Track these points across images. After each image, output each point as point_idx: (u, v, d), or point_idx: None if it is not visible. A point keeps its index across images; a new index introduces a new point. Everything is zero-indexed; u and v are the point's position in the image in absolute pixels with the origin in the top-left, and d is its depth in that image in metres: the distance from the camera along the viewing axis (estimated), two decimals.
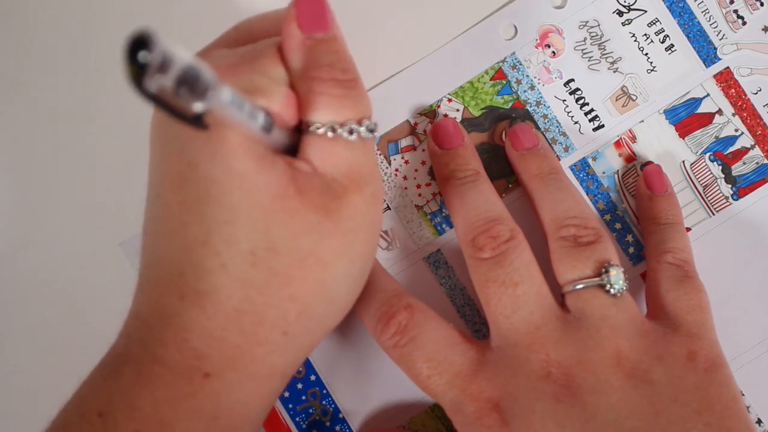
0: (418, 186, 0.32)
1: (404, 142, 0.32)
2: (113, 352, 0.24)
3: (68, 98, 0.33)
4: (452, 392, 0.26)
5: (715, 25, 0.32)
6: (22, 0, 0.34)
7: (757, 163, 0.32)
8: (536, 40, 0.32)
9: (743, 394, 0.31)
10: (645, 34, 0.32)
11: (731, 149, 0.32)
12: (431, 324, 0.27)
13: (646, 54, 0.32)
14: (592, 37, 0.32)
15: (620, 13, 0.32)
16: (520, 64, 0.32)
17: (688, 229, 0.32)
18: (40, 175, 0.34)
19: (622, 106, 0.32)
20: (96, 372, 0.23)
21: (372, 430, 0.32)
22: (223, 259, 0.22)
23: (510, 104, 0.32)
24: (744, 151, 0.32)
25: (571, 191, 0.30)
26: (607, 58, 0.32)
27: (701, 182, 0.32)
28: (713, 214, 0.32)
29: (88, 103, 0.33)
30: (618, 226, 0.32)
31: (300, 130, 0.24)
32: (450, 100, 0.32)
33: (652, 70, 0.32)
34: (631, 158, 0.32)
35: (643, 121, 0.32)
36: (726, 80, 0.32)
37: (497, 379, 0.26)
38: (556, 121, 0.32)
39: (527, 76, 0.32)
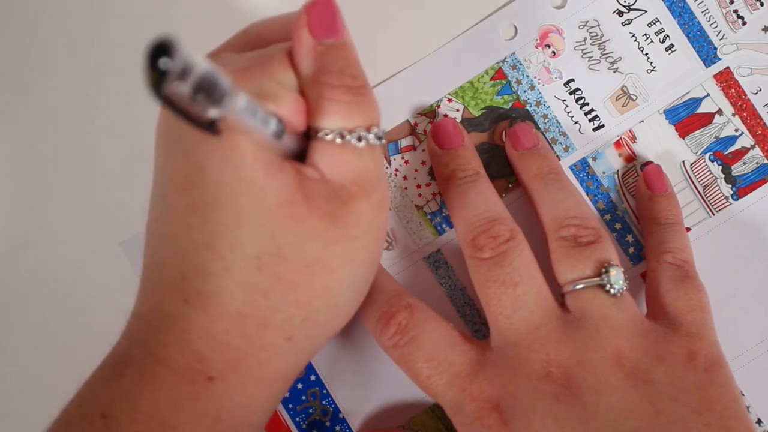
0: (418, 186, 0.32)
1: (404, 142, 0.32)
2: (115, 353, 0.24)
3: (68, 98, 0.33)
4: (452, 392, 0.26)
5: (715, 25, 0.32)
6: (22, 0, 0.34)
7: (757, 163, 0.32)
8: (536, 40, 0.32)
9: (743, 394, 0.31)
10: (645, 34, 0.32)
11: (731, 149, 0.32)
12: (431, 324, 0.27)
13: (646, 54, 0.32)
14: (592, 37, 0.32)
15: (620, 13, 0.32)
16: (520, 64, 0.32)
17: (688, 229, 0.32)
18: (40, 175, 0.34)
19: (622, 106, 0.32)
20: (98, 372, 0.23)
21: (372, 430, 0.32)
22: (227, 262, 0.22)
23: (510, 104, 0.32)
24: (744, 151, 0.32)
25: (571, 191, 0.30)
26: (607, 58, 0.32)
27: (701, 182, 0.32)
28: (713, 214, 0.32)
29: (88, 103, 0.33)
30: (618, 226, 0.32)
31: (308, 136, 0.24)
32: (450, 100, 0.32)
33: (652, 70, 0.32)
34: (631, 158, 0.32)
35: (643, 121, 0.32)
36: (726, 80, 0.32)
37: (497, 379, 0.26)
38: (556, 121, 0.32)
39: (527, 76, 0.32)
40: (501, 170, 0.32)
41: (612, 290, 0.27)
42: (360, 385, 0.32)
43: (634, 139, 0.32)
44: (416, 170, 0.32)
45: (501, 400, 0.26)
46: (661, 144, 0.32)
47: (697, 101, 0.32)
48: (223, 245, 0.22)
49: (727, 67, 0.32)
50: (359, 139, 0.24)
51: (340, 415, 0.32)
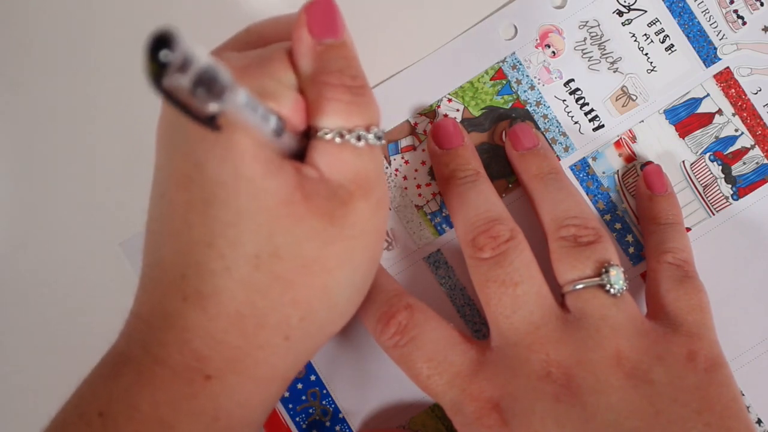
0: (418, 186, 0.32)
1: (404, 142, 0.32)
2: (114, 352, 0.24)
3: (68, 98, 0.33)
4: (452, 392, 0.26)
5: (715, 25, 0.32)
6: (22, 0, 0.34)
7: (757, 163, 0.32)
8: (536, 40, 0.32)
9: (743, 394, 0.31)
10: (645, 34, 0.32)
11: (731, 149, 0.32)
12: (431, 324, 0.27)
13: (646, 54, 0.32)
14: (592, 37, 0.32)
15: (620, 13, 0.32)
16: (520, 64, 0.32)
17: (688, 229, 0.32)
18: (40, 175, 0.34)
19: (622, 106, 0.32)
20: (96, 372, 0.23)
21: (372, 430, 0.32)
22: (227, 261, 0.22)
23: (510, 104, 0.32)
24: (744, 151, 0.32)
25: (571, 191, 0.30)
26: (607, 58, 0.32)
27: (701, 182, 0.32)
28: (713, 214, 0.32)
29: (88, 103, 0.33)
30: (618, 226, 0.32)
31: (308, 136, 0.24)
32: (450, 100, 0.32)
33: (652, 70, 0.32)
34: (631, 158, 0.32)
35: (643, 121, 0.32)
36: (726, 80, 0.32)
37: (497, 379, 0.26)
38: (556, 121, 0.32)
39: (527, 76, 0.32)
40: (501, 170, 0.32)
41: (612, 290, 0.27)
42: (360, 385, 0.32)
43: (634, 139, 0.32)
44: (416, 170, 0.32)
45: (501, 400, 0.26)
46: (661, 144, 0.32)
47: (697, 101, 0.32)
48: (223, 243, 0.22)
49: (727, 67, 0.32)
50: (359, 138, 0.24)
51: (340, 415, 0.32)
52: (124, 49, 0.33)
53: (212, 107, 0.17)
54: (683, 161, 0.32)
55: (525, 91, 0.32)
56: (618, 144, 0.32)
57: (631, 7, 0.32)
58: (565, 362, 0.26)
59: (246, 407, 0.24)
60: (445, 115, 0.32)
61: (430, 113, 0.33)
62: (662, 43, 0.32)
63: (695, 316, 0.28)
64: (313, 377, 0.32)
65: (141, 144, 0.30)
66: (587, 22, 0.32)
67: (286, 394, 0.32)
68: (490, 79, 0.32)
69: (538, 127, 0.32)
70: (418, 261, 0.32)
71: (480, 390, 0.26)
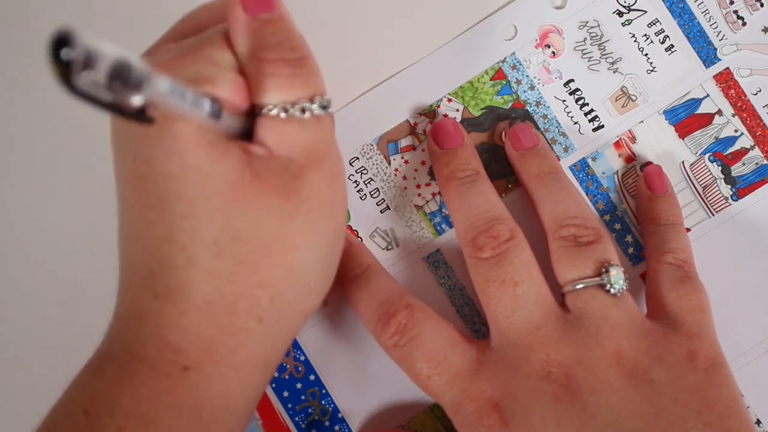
0: (418, 186, 0.32)
1: (404, 142, 0.33)
2: (98, 353, 0.24)
3: (68, 98, 0.33)
4: (452, 392, 0.26)
5: (715, 25, 0.32)
6: (22, 0, 0.34)
7: (756, 163, 0.32)
8: (536, 40, 0.32)
9: (743, 395, 0.31)
10: (645, 35, 0.32)
11: (731, 150, 0.32)
12: (431, 324, 0.27)
13: (646, 54, 0.32)
14: (592, 37, 0.32)
15: (620, 14, 0.32)
16: (520, 64, 0.32)
17: (688, 230, 0.32)
18: (40, 175, 0.34)
19: (622, 106, 0.32)
20: (82, 372, 0.24)
21: (372, 430, 0.32)
22: (189, 253, 0.22)
23: (510, 104, 0.32)
24: (744, 151, 0.32)
25: (571, 191, 0.30)
26: (607, 58, 0.32)
27: (701, 183, 0.32)
28: (713, 215, 0.32)
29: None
30: (618, 226, 0.32)
31: (254, 114, 0.24)
32: (450, 100, 0.32)
33: (651, 71, 0.32)
34: (630, 159, 0.32)
35: (642, 121, 0.32)
36: (726, 81, 0.32)
37: (497, 379, 0.26)
38: (556, 121, 0.32)
39: (527, 76, 0.32)
40: (501, 170, 0.32)
41: (612, 290, 0.27)
42: (359, 385, 0.32)
43: (633, 139, 0.32)
44: (416, 170, 0.32)
45: (501, 400, 0.26)
46: (660, 144, 0.32)
47: (696, 102, 0.32)
48: (183, 236, 0.22)
49: (727, 68, 0.32)
50: (303, 111, 0.23)
51: (340, 415, 0.32)
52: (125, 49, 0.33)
53: (135, 100, 0.17)
54: (683, 162, 0.32)
55: (525, 91, 0.32)
56: (618, 144, 0.32)
57: (631, 7, 0.32)
58: (565, 362, 0.26)
59: (227, 396, 0.24)
60: (445, 115, 0.32)
61: (429, 113, 0.33)
62: (662, 43, 0.32)
63: (695, 316, 0.28)
64: (312, 377, 0.32)
65: None
66: (587, 22, 0.32)
67: (285, 394, 0.32)
68: (490, 79, 0.32)
69: (537, 128, 0.32)
70: (418, 261, 0.32)
71: (480, 390, 0.26)
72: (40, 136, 0.34)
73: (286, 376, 0.32)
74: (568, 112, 0.32)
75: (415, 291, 0.32)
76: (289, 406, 0.32)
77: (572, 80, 0.32)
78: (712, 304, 0.29)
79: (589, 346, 0.26)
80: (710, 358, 0.27)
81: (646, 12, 0.32)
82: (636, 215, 0.32)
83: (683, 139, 0.32)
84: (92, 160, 0.33)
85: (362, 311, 0.29)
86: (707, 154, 0.32)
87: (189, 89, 0.20)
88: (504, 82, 0.32)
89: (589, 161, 0.32)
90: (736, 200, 0.32)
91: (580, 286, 0.27)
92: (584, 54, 0.32)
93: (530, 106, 0.32)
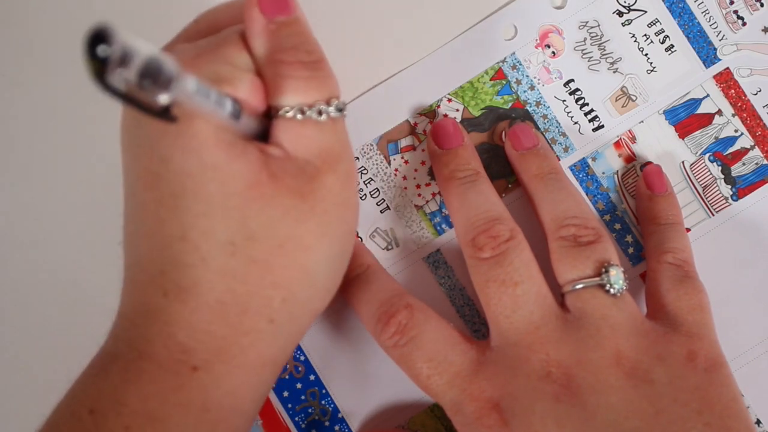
0: (418, 186, 0.32)
1: (404, 142, 0.33)
2: (102, 352, 0.24)
3: (68, 98, 0.33)
4: (452, 392, 0.26)
5: (715, 25, 0.32)
6: (21, 0, 0.34)
7: (756, 163, 0.32)
8: (536, 40, 0.32)
9: (743, 395, 0.31)
10: (645, 35, 0.32)
11: (731, 150, 0.32)
12: (431, 324, 0.27)
13: (646, 54, 0.32)
14: (592, 37, 0.32)
15: (620, 14, 0.32)
16: (520, 64, 0.32)
17: (688, 230, 0.32)
18: (40, 175, 0.34)
19: (622, 106, 0.32)
20: (86, 371, 0.24)
21: (372, 430, 0.32)
22: (202, 252, 0.22)
23: (510, 104, 0.32)
24: (743, 151, 0.32)
25: (571, 191, 0.30)
26: (607, 58, 0.32)
27: (701, 183, 0.32)
28: (713, 215, 0.32)
29: (88, 103, 0.33)
30: (617, 226, 0.32)
31: (270, 116, 0.24)
32: (450, 100, 0.32)
33: (651, 71, 0.32)
34: (630, 159, 0.32)
35: (642, 121, 0.32)
36: (726, 81, 0.32)
37: (497, 379, 0.26)
38: (556, 121, 0.32)
39: (527, 76, 0.32)
40: (501, 170, 0.32)
41: (612, 290, 0.27)
42: (359, 385, 0.32)
43: (633, 139, 0.32)
44: (416, 170, 0.32)
45: (501, 400, 0.26)
46: (660, 144, 0.32)
47: (696, 102, 0.32)
48: (196, 235, 0.22)
49: (727, 68, 0.32)
50: (320, 113, 0.24)
51: (340, 415, 0.32)
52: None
53: (162, 98, 0.17)
54: (683, 162, 0.32)
55: (525, 91, 0.32)
56: (618, 144, 0.32)
57: (631, 7, 0.32)
58: (565, 362, 0.26)
59: (236, 396, 0.24)
60: (445, 115, 0.32)
61: (429, 113, 0.33)
62: (662, 43, 0.32)
63: (695, 316, 0.28)
64: (312, 377, 0.32)
65: None
66: (587, 22, 0.32)
67: (285, 394, 0.32)
68: (490, 79, 0.32)
69: (537, 128, 0.32)
70: (418, 261, 0.32)
71: (480, 390, 0.26)
72: (40, 136, 0.34)
73: (286, 376, 0.32)
74: (568, 112, 0.32)
75: (415, 291, 0.32)
76: (289, 406, 0.32)
77: (572, 80, 0.32)
78: (712, 304, 0.29)
79: (589, 346, 0.26)
80: (710, 358, 0.27)
81: (646, 12, 0.32)
82: (636, 215, 0.32)
83: (683, 139, 0.32)
84: (92, 160, 0.33)
85: (362, 311, 0.29)
86: (707, 154, 0.32)
87: (213, 89, 0.21)
88: (504, 82, 0.32)
89: (589, 161, 0.32)
90: (736, 200, 0.32)
91: (580, 286, 0.27)
92: (584, 54, 0.32)
93: (530, 106, 0.32)
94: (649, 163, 0.32)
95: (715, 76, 0.32)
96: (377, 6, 0.33)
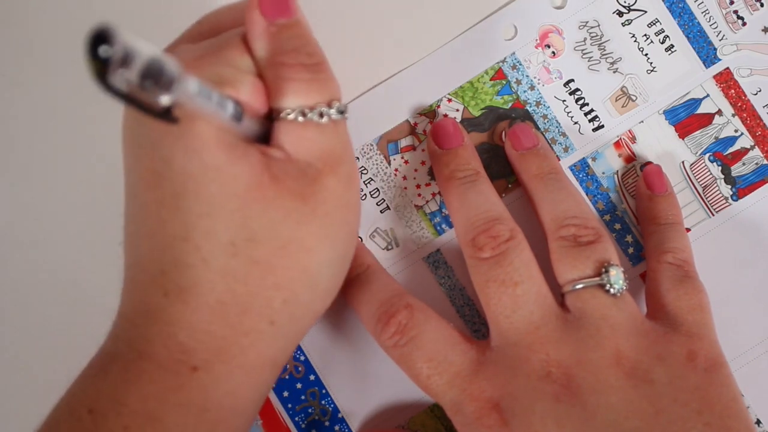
0: (418, 186, 0.32)
1: (404, 142, 0.33)
2: (102, 352, 0.24)
3: (68, 98, 0.33)
4: (452, 392, 0.26)
5: (715, 25, 0.32)
6: (22, 0, 0.34)
7: (756, 163, 0.32)
8: (536, 40, 0.32)
9: (743, 395, 0.31)
10: (645, 35, 0.32)
11: (731, 150, 0.32)
12: (431, 324, 0.27)
13: (646, 54, 0.32)
14: (592, 37, 0.32)
15: (620, 14, 0.32)
16: (520, 64, 0.32)
17: (688, 230, 0.32)
18: (40, 175, 0.34)
19: (622, 106, 0.32)
20: (85, 371, 0.24)
21: (371, 430, 0.32)
22: (203, 253, 0.22)
23: (510, 104, 0.32)
24: (744, 151, 0.32)
25: (571, 191, 0.30)
26: (607, 58, 0.32)
27: (701, 183, 0.32)
28: (713, 215, 0.32)
29: (88, 103, 0.33)
30: (617, 226, 0.32)
31: (271, 118, 0.24)
32: (450, 100, 0.32)
33: (652, 71, 0.32)
34: (630, 159, 0.32)
35: (642, 121, 0.32)
36: (726, 81, 0.32)
37: (497, 379, 0.26)
38: (556, 121, 0.32)
39: (527, 76, 0.32)
40: (501, 170, 0.32)
41: (612, 290, 0.27)
42: (359, 385, 0.32)
43: (633, 139, 0.32)
44: (416, 170, 0.32)
45: (501, 400, 0.26)
46: (660, 144, 0.32)
47: (696, 102, 0.32)
48: (198, 235, 0.22)
49: (727, 68, 0.32)
50: (321, 115, 0.24)
51: (340, 415, 0.32)
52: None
53: (164, 99, 0.17)
54: (683, 162, 0.32)
55: (525, 91, 0.32)
56: (618, 144, 0.32)
57: (631, 7, 0.32)
58: (565, 362, 0.26)
59: (236, 396, 0.24)
60: (445, 115, 0.32)
61: (429, 113, 0.33)
62: (662, 43, 0.32)
63: (695, 316, 0.28)
64: (312, 377, 0.32)
65: None
66: (587, 22, 0.32)
67: (285, 394, 0.32)
68: (490, 79, 0.32)
69: (537, 128, 0.32)
70: (418, 261, 0.32)
71: (480, 390, 0.26)
72: (40, 136, 0.34)
73: (286, 376, 0.32)
74: (568, 112, 0.32)
75: (415, 291, 0.32)
76: (289, 406, 0.32)
77: (572, 80, 0.32)
78: (712, 304, 0.29)
79: (589, 346, 0.26)
80: (710, 358, 0.27)
81: (646, 12, 0.32)
82: (636, 215, 0.32)
83: (683, 139, 0.32)
84: (92, 160, 0.33)
85: (362, 311, 0.29)
86: (707, 154, 0.32)
87: (215, 91, 0.21)
88: (504, 82, 0.32)
89: (589, 161, 0.32)
90: (736, 200, 0.32)
91: (580, 286, 0.27)
92: (584, 54, 0.32)
93: (530, 106, 0.32)
94: (649, 163, 0.32)
95: (715, 76, 0.32)
96: (377, 6, 0.33)
